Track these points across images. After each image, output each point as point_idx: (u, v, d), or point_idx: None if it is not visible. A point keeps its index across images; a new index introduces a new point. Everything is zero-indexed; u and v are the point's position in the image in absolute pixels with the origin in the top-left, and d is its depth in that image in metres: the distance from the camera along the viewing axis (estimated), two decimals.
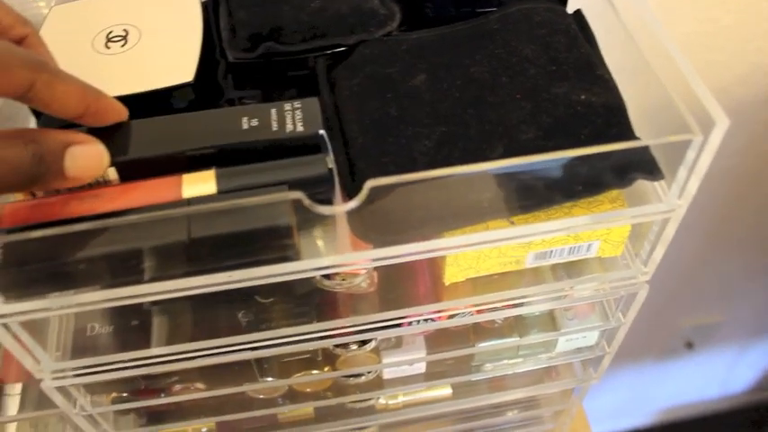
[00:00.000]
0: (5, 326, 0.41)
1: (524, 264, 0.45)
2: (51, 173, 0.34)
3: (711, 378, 1.60)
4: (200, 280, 0.39)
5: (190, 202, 0.38)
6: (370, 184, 0.35)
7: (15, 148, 0.33)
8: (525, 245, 0.43)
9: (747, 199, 1.06)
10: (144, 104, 0.43)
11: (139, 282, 0.39)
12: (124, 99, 0.43)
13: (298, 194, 0.35)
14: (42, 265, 0.37)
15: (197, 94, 0.44)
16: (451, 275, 0.45)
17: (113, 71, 0.45)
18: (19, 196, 0.40)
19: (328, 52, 0.45)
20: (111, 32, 0.47)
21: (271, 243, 0.39)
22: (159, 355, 0.45)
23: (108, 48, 0.46)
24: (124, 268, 0.38)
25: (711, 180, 0.98)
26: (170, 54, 0.45)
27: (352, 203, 0.36)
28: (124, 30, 0.47)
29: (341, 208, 0.37)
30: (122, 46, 0.46)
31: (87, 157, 0.36)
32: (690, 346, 1.42)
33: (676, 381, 1.57)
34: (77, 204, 0.38)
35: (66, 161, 0.35)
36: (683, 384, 1.59)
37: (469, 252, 0.43)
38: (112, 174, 0.39)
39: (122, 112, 0.39)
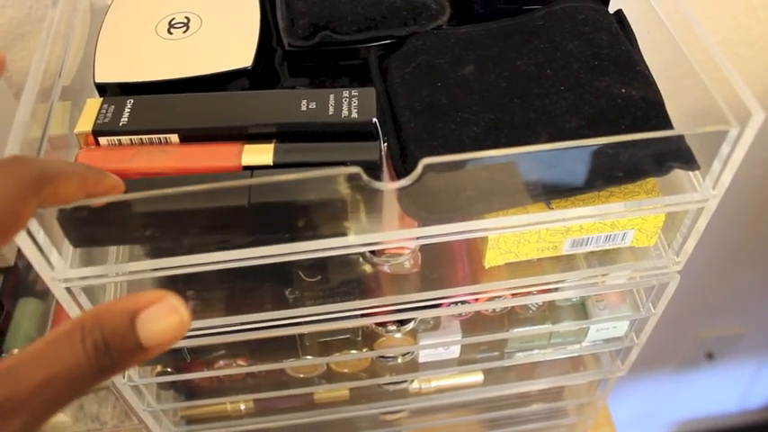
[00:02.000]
0: (68, 290, 0.43)
1: (561, 250, 0.47)
2: (125, 356, 0.28)
3: (731, 391, 1.60)
4: (253, 251, 0.42)
5: (252, 171, 0.40)
6: (424, 161, 0.37)
7: (70, 353, 0.27)
8: (563, 231, 0.45)
9: None
10: (205, 88, 0.46)
11: (197, 246, 0.42)
12: (186, 81, 0.46)
13: (356, 169, 0.37)
14: (110, 219, 0.40)
15: (255, 79, 0.47)
16: (491, 259, 0.47)
17: (176, 55, 0.47)
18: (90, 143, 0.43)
19: (381, 43, 0.48)
20: (173, 19, 0.49)
21: (325, 216, 0.41)
22: (207, 326, 0.48)
23: (171, 33, 0.49)
24: (184, 228, 0.41)
25: (737, 189, 1.00)
26: (229, 41, 0.48)
27: (407, 180, 0.38)
28: (186, 17, 0.49)
29: (395, 184, 0.39)
30: (184, 32, 0.49)
31: (163, 320, 0.28)
32: (710, 357, 1.42)
33: (696, 393, 1.57)
34: (146, 157, 0.41)
35: (140, 333, 0.28)
36: (702, 397, 1.59)
37: (510, 236, 0.45)
38: (175, 140, 0.41)
39: (120, 188, 0.38)
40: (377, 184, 0.39)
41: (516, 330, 0.53)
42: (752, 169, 0.97)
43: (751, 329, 1.37)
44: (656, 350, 1.39)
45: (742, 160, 0.96)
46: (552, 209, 0.44)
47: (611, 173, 0.41)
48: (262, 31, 0.48)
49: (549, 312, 0.55)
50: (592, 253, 0.49)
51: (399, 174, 0.42)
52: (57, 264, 0.42)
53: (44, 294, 0.66)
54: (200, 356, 0.53)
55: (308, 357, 0.53)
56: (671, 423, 1.68)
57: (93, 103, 0.44)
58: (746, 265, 1.19)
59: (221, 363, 0.54)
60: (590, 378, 0.63)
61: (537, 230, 0.45)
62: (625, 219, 0.45)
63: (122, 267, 0.43)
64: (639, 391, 1.53)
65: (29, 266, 0.67)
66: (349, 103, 0.43)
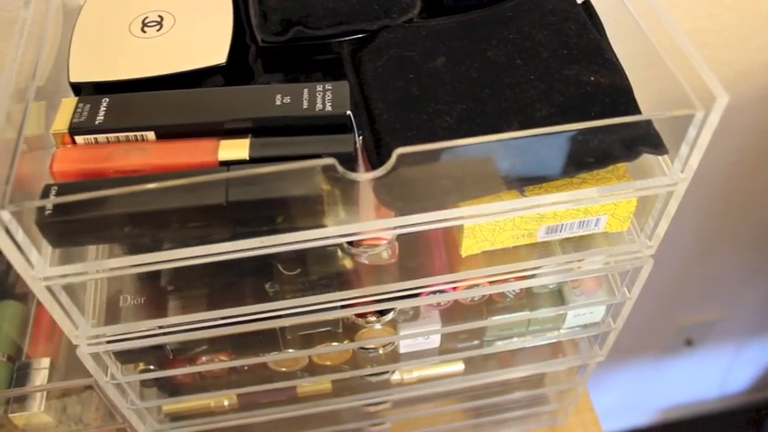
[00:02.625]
0: (49, 288, 0.44)
1: (536, 237, 0.48)
2: None
3: (711, 377, 1.62)
4: (232, 245, 0.42)
5: (229, 167, 0.41)
6: (398, 151, 0.37)
7: None
8: (537, 218, 0.46)
9: (746, 196, 1.09)
10: (180, 85, 0.46)
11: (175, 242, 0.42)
12: (161, 79, 0.46)
13: (330, 161, 0.38)
14: (89, 219, 0.40)
15: (229, 76, 0.47)
16: (468, 247, 0.47)
17: (150, 53, 0.47)
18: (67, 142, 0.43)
19: (354, 37, 0.48)
20: (146, 18, 0.50)
21: (303, 209, 0.41)
22: (188, 322, 0.48)
23: (144, 32, 0.49)
24: (162, 226, 0.41)
25: (711, 177, 1.01)
26: (203, 38, 0.48)
27: (381, 170, 0.39)
28: (159, 16, 0.50)
29: (370, 174, 0.39)
30: (158, 30, 0.49)
31: None
32: (689, 343, 1.44)
33: (676, 379, 1.59)
34: (123, 155, 0.41)
35: None
36: (682, 383, 1.61)
37: (485, 224, 0.46)
38: (151, 137, 0.42)
39: None
40: (352, 176, 0.39)
41: (495, 318, 0.54)
42: (726, 155, 0.99)
43: (728, 314, 1.39)
44: (635, 338, 1.41)
45: (716, 147, 0.98)
46: (526, 196, 0.44)
47: (581, 159, 0.42)
48: (235, 27, 0.48)
49: (527, 300, 0.56)
50: (567, 240, 0.50)
51: (374, 165, 0.42)
52: (36, 262, 0.42)
53: (24, 297, 0.66)
54: (183, 353, 0.53)
55: (290, 351, 0.54)
56: (652, 410, 1.70)
57: (69, 103, 0.44)
58: (722, 250, 1.21)
59: (203, 359, 0.54)
60: (569, 364, 0.64)
61: (512, 218, 0.46)
62: (598, 204, 0.46)
63: (102, 264, 0.43)
64: (620, 379, 1.54)
65: (8, 269, 0.68)
66: (323, 97, 0.43)
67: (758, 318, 1.43)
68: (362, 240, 0.46)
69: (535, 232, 0.48)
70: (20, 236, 0.40)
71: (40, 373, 0.61)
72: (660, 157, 0.45)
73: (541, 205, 0.44)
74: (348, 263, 0.50)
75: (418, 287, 0.49)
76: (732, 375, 1.63)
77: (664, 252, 1.15)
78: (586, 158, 0.42)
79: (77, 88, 0.47)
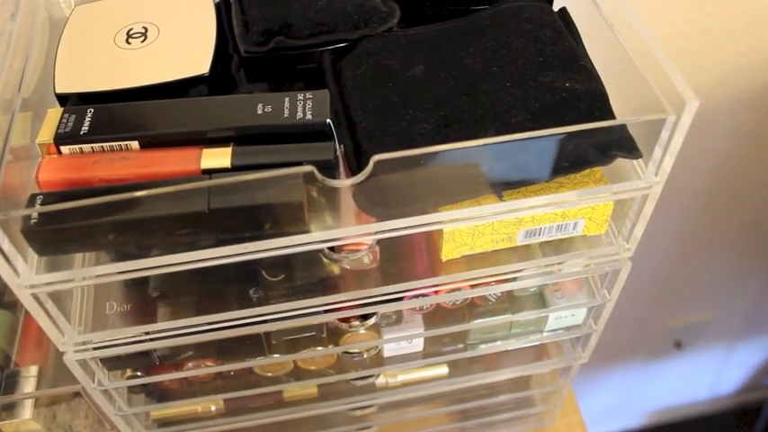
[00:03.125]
0: (35, 296, 0.44)
1: (515, 241, 0.49)
2: None
3: (701, 378, 1.63)
4: (215, 251, 0.43)
5: (210, 175, 0.41)
6: (375, 158, 0.38)
7: None
8: (516, 222, 0.47)
9: (730, 199, 1.10)
10: (164, 95, 0.47)
11: (159, 249, 0.43)
12: (145, 89, 0.47)
13: (309, 168, 0.39)
14: (74, 227, 0.41)
15: (212, 85, 0.48)
16: (448, 252, 0.48)
17: (134, 64, 0.48)
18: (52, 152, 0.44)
19: (334, 47, 0.49)
20: (131, 29, 0.50)
21: (284, 216, 0.42)
22: (174, 328, 0.49)
23: (129, 43, 0.50)
24: (147, 234, 0.42)
25: (696, 180, 1.02)
26: (187, 49, 0.49)
27: (359, 177, 0.40)
28: (144, 27, 0.50)
29: (348, 181, 0.40)
30: (142, 42, 0.50)
31: None
32: (679, 345, 1.45)
33: (666, 382, 1.60)
34: (108, 164, 0.42)
35: None
36: (673, 385, 1.62)
37: (464, 229, 0.47)
38: (135, 146, 0.43)
39: None
40: (331, 182, 0.40)
41: (477, 321, 0.55)
42: (709, 158, 1.00)
43: (718, 316, 1.40)
44: (625, 341, 1.42)
45: (699, 150, 0.99)
46: (504, 200, 0.45)
47: (557, 163, 0.43)
48: (218, 38, 0.49)
49: (509, 304, 0.57)
50: (547, 244, 0.51)
51: (354, 172, 0.43)
52: (22, 270, 0.43)
53: (13, 305, 0.67)
54: (169, 359, 0.54)
55: (275, 356, 0.54)
56: (643, 413, 1.71)
57: (55, 113, 0.45)
58: (709, 253, 1.22)
59: (190, 364, 0.55)
60: (552, 366, 0.65)
61: (490, 223, 0.47)
62: (575, 208, 0.47)
63: (88, 271, 0.44)
64: (611, 382, 1.55)
65: None
66: (303, 106, 0.44)
67: (747, 319, 1.44)
68: (343, 246, 0.47)
69: (514, 236, 0.48)
70: (5, 245, 0.41)
71: (29, 381, 0.62)
72: (635, 162, 0.46)
73: (520, 209, 0.44)
74: (331, 268, 0.50)
75: (400, 291, 0.49)
76: (723, 377, 1.64)
77: (651, 254, 1.17)
78: (562, 163, 0.43)
79: (63, 99, 0.47)
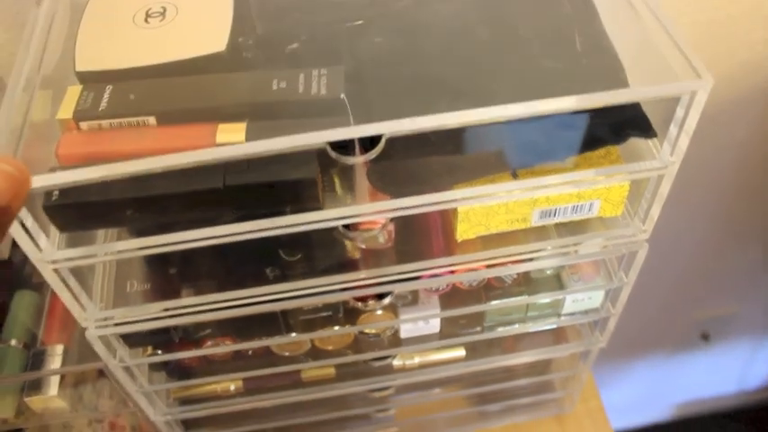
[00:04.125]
0: (57, 272, 0.45)
1: (530, 221, 0.49)
2: None
3: (728, 372, 1.61)
4: (232, 228, 0.44)
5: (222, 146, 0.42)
6: (387, 134, 0.38)
7: None
8: (531, 202, 0.47)
9: (759, 189, 1.09)
10: (181, 73, 0.47)
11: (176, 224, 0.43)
12: (162, 67, 0.48)
13: (322, 144, 0.39)
14: (93, 202, 0.41)
15: (229, 62, 0.48)
16: (463, 232, 0.48)
17: (153, 43, 0.49)
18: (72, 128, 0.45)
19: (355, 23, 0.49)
20: (150, 9, 0.51)
21: (297, 193, 0.43)
22: (193, 304, 0.49)
23: (147, 23, 0.50)
24: (164, 209, 0.43)
25: (723, 170, 1.01)
26: (204, 27, 0.49)
27: (372, 153, 0.40)
28: (162, 7, 0.51)
29: (361, 158, 0.41)
30: (161, 21, 0.50)
31: None
32: (706, 338, 1.43)
33: (693, 374, 1.58)
34: (125, 139, 0.43)
35: None
36: (700, 378, 1.60)
37: (479, 209, 0.47)
38: (152, 122, 0.43)
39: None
40: (344, 159, 0.40)
41: (493, 303, 0.55)
42: (736, 148, 0.99)
43: (745, 309, 1.39)
44: (651, 333, 1.41)
45: (726, 140, 0.98)
46: (518, 177, 0.45)
47: (571, 141, 0.43)
48: (235, 16, 0.50)
49: (525, 286, 0.57)
50: (563, 226, 0.51)
51: (368, 150, 0.43)
52: (45, 246, 0.44)
53: (39, 287, 0.68)
54: (188, 337, 0.55)
55: (292, 335, 0.55)
56: (670, 406, 1.69)
57: (74, 91, 0.46)
58: (737, 244, 1.21)
59: (209, 342, 0.56)
60: (570, 350, 0.65)
61: (505, 203, 0.47)
62: (591, 189, 0.47)
63: (108, 247, 0.45)
64: (637, 375, 1.54)
65: (24, 260, 0.69)
66: (318, 81, 0.44)
67: None
68: (358, 224, 0.48)
69: (529, 217, 0.48)
70: (29, 222, 0.42)
71: (55, 359, 0.63)
72: (650, 142, 0.46)
73: (536, 188, 0.44)
74: (347, 248, 0.51)
75: (416, 270, 0.50)
76: (750, 371, 1.62)
77: (678, 245, 1.16)
78: (576, 141, 0.43)
79: (83, 77, 0.48)
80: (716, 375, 1.61)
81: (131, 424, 0.75)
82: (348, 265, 0.51)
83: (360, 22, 0.49)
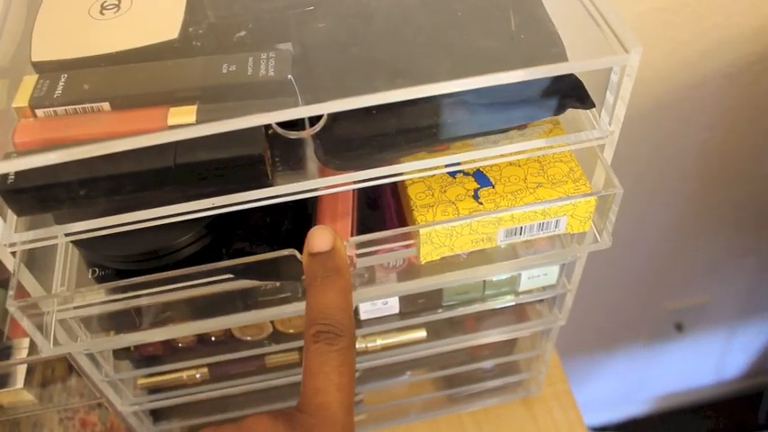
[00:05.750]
0: (15, 255, 0.46)
1: (496, 241, 0.50)
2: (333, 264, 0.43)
3: (705, 362, 1.63)
4: (186, 206, 0.45)
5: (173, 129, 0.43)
6: (328, 110, 0.40)
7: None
8: (495, 221, 0.48)
9: (721, 176, 1.11)
10: (135, 61, 0.49)
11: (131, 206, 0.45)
12: (116, 56, 0.49)
13: (267, 119, 0.40)
14: (51, 186, 0.43)
15: (181, 49, 0.50)
16: (426, 254, 0.49)
17: (107, 33, 0.50)
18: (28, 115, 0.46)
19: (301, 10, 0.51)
20: (105, 2, 0.52)
21: (246, 169, 0.44)
22: (151, 282, 0.50)
23: (103, 14, 0.52)
24: (117, 189, 0.44)
25: (685, 159, 1.03)
26: (157, 17, 0.51)
27: (315, 128, 0.42)
28: None
29: (305, 132, 0.42)
30: (115, 12, 0.52)
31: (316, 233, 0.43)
32: (680, 328, 1.45)
33: (670, 366, 1.60)
34: (80, 125, 0.44)
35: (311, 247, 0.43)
36: (676, 370, 1.62)
37: (442, 230, 0.48)
38: (107, 107, 0.44)
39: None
40: (288, 133, 0.42)
41: (449, 275, 0.55)
42: (697, 134, 1.01)
43: (717, 298, 1.41)
44: (624, 326, 1.42)
45: (687, 127, 0.99)
46: (481, 203, 0.47)
47: (509, 113, 0.44)
48: (188, 5, 0.51)
49: (482, 260, 0.58)
50: None
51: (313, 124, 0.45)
52: (1, 230, 0.45)
53: (5, 283, 0.69)
54: (149, 320, 0.55)
55: (251, 314, 0.55)
56: (647, 400, 1.71)
57: (30, 80, 0.47)
58: (703, 232, 1.23)
59: (170, 326, 0.56)
60: (530, 329, 0.66)
61: (468, 223, 0.48)
62: (556, 206, 0.48)
63: (67, 228, 0.46)
64: (612, 370, 1.55)
65: None
66: (267, 64, 0.46)
67: (746, 300, 1.45)
68: None
69: (494, 236, 0.49)
70: None
71: (21, 353, 0.64)
72: (591, 115, 0.48)
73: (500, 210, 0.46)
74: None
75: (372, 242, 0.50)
76: (727, 360, 1.64)
77: (644, 235, 1.17)
78: (514, 112, 0.44)
79: (39, 67, 0.49)
80: (692, 366, 1.63)
81: (102, 420, 0.76)
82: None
83: (307, 8, 0.50)
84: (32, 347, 0.64)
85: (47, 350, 0.51)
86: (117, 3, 0.52)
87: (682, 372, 1.64)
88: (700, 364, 1.64)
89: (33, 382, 0.69)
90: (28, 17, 0.54)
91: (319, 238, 0.42)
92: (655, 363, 1.58)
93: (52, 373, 0.72)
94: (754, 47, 0.89)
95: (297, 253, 0.46)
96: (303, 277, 0.48)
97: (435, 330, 0.65)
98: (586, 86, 0.46)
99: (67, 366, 0.72)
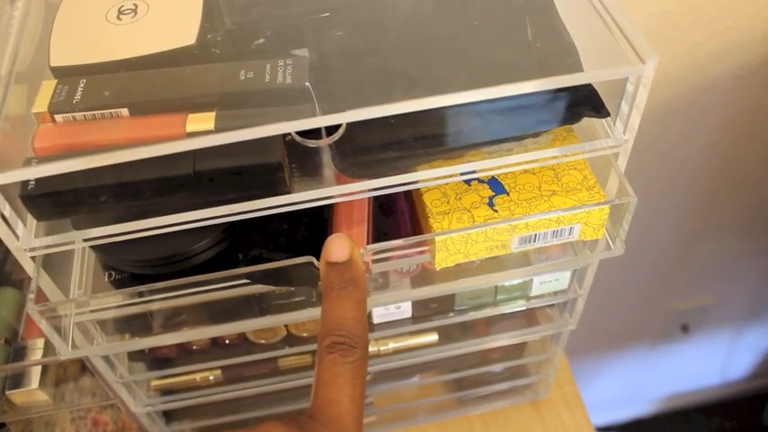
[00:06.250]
0: (34, 259, 0.47)
1: (510, 248, 0.50)
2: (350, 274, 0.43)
3: (711, 363, 1.64)
4: (204, 213, 0.45)
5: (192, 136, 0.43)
6: (347, 120, 0.40)
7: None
8: (510, 228, 0.49)
9: (729, 178, 1.11)
10: (152, 66, 0.49)
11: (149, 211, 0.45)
12: (134, 61, 0.49)
13: (286, 128, 0.41)
14: (71, 192, 0.43)
15: (199, 56, 0.50)
16: (441, 260, 0.50)
17: (125, 39, 0.50)
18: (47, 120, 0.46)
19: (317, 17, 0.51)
20: (122, 6, 0.53)
21: (264, 176, 0.44)
22: (167, 288, 0.50)
23: (120, 20, 0.52)
24: (137, 195, 0.44)
25: (695, 159, 1.04)
26: (174, 22, 0.51)
27: (334, 137, 0.42)
28: (134, 4, 0.53)
29: (323, 141, 0.42)
30: (132, 18, 0.52)
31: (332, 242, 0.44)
32: (685, 329, 1.46)
33: (675, 367, 1.60)
34: (99, 130, 0.44)
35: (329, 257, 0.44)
36: (682, 370, 1.63)
37: (457, 237, 0.48)
38: (125, 113, 0.45)
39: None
40: (306, 142, 0.42)
41: (462, 281, 0.56)
42: (706, 137, 1.01)
43: (723, 299, 1.41)
44: (630, 327, 1.43)
45: (696, 129, 1.00)
46: (496, 210, 0.48)
47: (524, 123, 0.45)
48: (204, 10, 0.52)
49: (495, 266, 0.58)
50: None
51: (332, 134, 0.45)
52: (22, 234, 0.45)
53: (20, 283, 0.70)
54: (164, 323, 0.56)
55: (267, 320, 0.56)
56: (653, 400, 1.71)
57: (49, 85, 0.47)
58: (709, 233, 1.23)
59: (185, 330, 0.57)
60: (541, 333, 0.66)
61: (483, 230, 0.48)
62: (570, 214, 0.49)
63: (85, 234, 0.46)
64: (618, 370, 1.56)
65: (4, 258, 0.71)
66: (284, 71, 0.46)
67: (753, 302, 1.45)
68: None
69: (509, 243, 0.50)
70: (7, 210, 0.44)
71: (36, 353, 0.64)
72: (605, 124, 0.48)
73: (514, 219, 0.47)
74: None
75: (387, 250, 0.51)
76: (732, 361, 1.65)
77: (651, 237, 1.17)
78: (529, 122, 0.45)
79: (58, 72, 0.50)
80: (698, 367, 1.63)
81: (114, 420, 0.76)
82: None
83: (322, 15, 0.50)
84: (47, 348, 0.65)
85: (65, 353, 0.51)
86: (134, 8, 0.52)
87: (687, 372, 1.64)
88: (705, 365, 1.64)
89: (47, 381, 0.70)
90: (45, 22, 0.54)
91: (337, 248, 0.43)
92: (661, 363, 1.58)
93: (65, 373, 0.73)
94: (765, 49, 0.90)
95: (314, 260, 0.47)
96: (319, 283, 0.48)
97: (446, 334, 0.66)
98: (601, 94, 0.46)
99: (80, 366, 0.72)
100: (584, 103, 0.45)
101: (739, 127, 1.01)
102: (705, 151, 1.04)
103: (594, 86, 0.46)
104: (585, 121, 0.48)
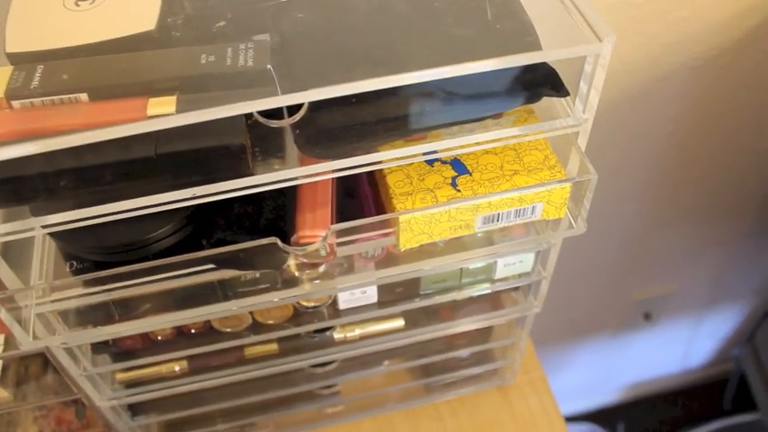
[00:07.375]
0: None
1: (474, 228, 0.51)
2: None
3: (672, 351, 1.66)
4: (167, 196, 0.45)
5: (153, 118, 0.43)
6: (309, 98, 0.40)
7: None
8: (473, 208, 0.49)
9: (686, 166, 1.13)
10: (111, 52, 0.48)
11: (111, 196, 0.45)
12: (93, 47, 0.49)
13: (248, 108, 0.41)
14: (29, 177, 0.42)
15: (159, 41, 0.50)
16: (405, 241, 0.50)
17: (83, 25, 0.50)
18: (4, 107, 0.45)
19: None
20: None
21: (227, 158, 0.44)
22: (127, 274, 0.50)
23: (78, 6, 0.51)
24: (97, 180, 0.44)
25: (654, 148, 1.05)
26: (133, 7, 0.51)
27: (295, 117, 0.42)
28: None
29: (285, 121, 0.42)
30: (91, 3, 0.51)
31: None
32: (647, 317, 1.48)
33: (638, 355, 1.63)
34: (58, 116, 0.43)
35: None
36: (645, 359, 1.65)
37: (421, 217, 0.49)
38: (85, 98, 0.44)
39: None
40: (268, 122, 0.42)
41: (427, 261, 0.56)
42: (662, 126, 1.03)
43: (684, 287, 1.43)
44: (594, 316, 1.45)
45: (652, 118, 1.01)
46: (460, 191, 0.48)
47: (484, 103, 0.45)
48: None
49: (458, 248, 0.59)
50: None
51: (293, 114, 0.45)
52: None
53: None
54: (127, 313, 0.55)
55: (231, 303, 0.55)
56: (617, 389, 1.73)
57: (5, 71, 0.47)
58: (668, 222, 1.25)
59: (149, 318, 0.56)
60: (506, 316, 0.67)
61: (446, 210, 0.49)
62: (532, 192, 0.49)
63: (43, 220, 0.46)
64: (582, 360, 1.58)
65: None
66: (245, 54, 0.46)
67: (713, 289, 1.48)
68: (298, 239, 0.49)
69: (472, 223, 0.50)
70: None
71: None
72: (565, 103, 0.49)
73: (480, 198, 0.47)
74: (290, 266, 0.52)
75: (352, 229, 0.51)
76: (693, 349, 1.68)
77: (612, 226, 1.19)
78: (489, 101, 0.45)
79: (14, 59, 0.49)
80: (660, 355, 1.65)
81: (79, 417, 0.75)
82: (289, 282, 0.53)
83: None
84: (7, 344, 0.64)
85: (26, 343, 0.50)
86: None
87: (650, 361, 1.67)
88: (667, 353, 1.67)
89: (8, 381, 0.69)
90: (1, 8, 0.54)
91: None
92: (624, 352, 1.60)
93: (26, 372, 0.72)
94: (719, 40, 0.91)
95: (279, 242, 0.47)
96: (284, 267, 0.48)
97: (413, 320, 0.66)
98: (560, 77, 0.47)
99: (42, 364, 0.71)
100: (543, 83, 0.45)
101: (696, 116, 1.02)
102: (663, 140, 1.06)
103: (554, 68, 0.46)
104: (546, 102, 0.49)
